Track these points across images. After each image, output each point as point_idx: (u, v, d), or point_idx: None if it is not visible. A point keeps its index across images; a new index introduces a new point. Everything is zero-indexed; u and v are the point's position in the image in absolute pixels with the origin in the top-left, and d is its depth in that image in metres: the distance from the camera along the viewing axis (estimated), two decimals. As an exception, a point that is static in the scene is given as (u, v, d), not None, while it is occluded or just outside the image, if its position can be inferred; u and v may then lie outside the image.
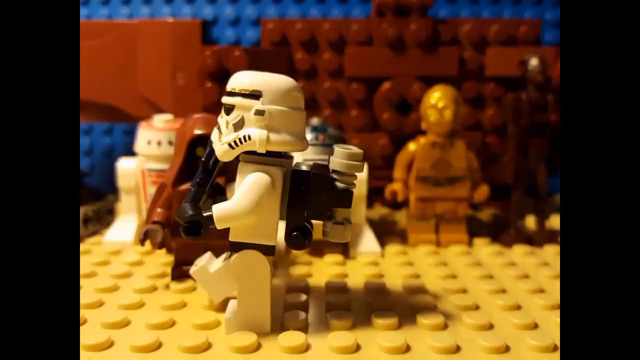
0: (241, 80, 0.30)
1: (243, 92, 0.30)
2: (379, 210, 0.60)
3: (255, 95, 0.30)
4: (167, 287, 0.39)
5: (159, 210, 0.39)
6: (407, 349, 0.31)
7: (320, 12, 0.68)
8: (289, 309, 0.35)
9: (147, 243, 0.39)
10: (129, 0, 0.67)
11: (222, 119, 0.31)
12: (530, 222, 0.53)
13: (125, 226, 0.50)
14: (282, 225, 0.32)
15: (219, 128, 0.31)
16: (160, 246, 0.39)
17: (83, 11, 0.68)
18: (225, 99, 0.31)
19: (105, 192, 0.56)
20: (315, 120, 0.48)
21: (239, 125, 0.30)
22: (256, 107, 0.30)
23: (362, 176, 0.46)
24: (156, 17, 0.67)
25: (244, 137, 0.30)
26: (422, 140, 0.47)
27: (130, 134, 0.69)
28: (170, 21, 0.58)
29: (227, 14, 0.67)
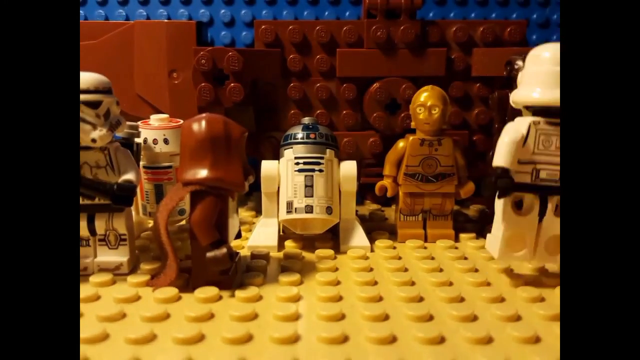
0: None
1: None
2: (370, 206, 0.61)
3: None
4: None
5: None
6: (393, 339, 0.31)
7: (313, 14, 0.69)
8: (281, 300, 0.36)
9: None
10: (126, 1, 0.68)
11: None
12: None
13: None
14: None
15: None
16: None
17: (80, 12, 0.68)
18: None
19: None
20: (306, 119, 0.49)
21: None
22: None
23: (353, 173, 0.47)
24: (152, 18, 0.68)
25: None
26: (411, 138, 0.48)
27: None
28: (165, 22, 0.59)
29: (222, 16, 0.68)
